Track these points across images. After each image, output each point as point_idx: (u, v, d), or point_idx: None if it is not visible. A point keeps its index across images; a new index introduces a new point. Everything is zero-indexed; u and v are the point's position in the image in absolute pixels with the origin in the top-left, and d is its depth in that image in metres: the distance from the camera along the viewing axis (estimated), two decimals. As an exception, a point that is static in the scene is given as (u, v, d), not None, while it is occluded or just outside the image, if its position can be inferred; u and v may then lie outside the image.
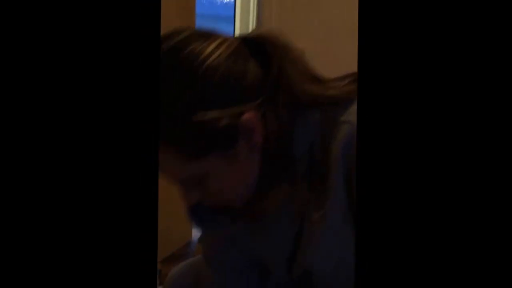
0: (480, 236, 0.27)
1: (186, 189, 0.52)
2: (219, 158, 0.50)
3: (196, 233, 1.34)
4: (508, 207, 0.26)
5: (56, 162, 0.27)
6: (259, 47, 0.51)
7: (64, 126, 0.27)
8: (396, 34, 0.27)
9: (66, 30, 0.27)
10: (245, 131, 0.49)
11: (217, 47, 0.48)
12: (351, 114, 0.49)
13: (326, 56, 1.38)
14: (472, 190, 0.27)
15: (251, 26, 1.38)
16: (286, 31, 1.48)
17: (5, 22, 0.27)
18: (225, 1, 1.22)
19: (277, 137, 0.50)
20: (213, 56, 0.47)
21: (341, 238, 0.51)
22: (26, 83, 0.28)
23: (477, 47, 0.26)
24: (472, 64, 0.27)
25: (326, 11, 1.32)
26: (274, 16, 1.31)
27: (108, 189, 0.28)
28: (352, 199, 0.49)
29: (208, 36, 0.49)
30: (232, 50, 0.49)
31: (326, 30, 1.37)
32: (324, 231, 0.51)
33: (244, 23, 1.38)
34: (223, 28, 1.34)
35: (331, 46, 1.38)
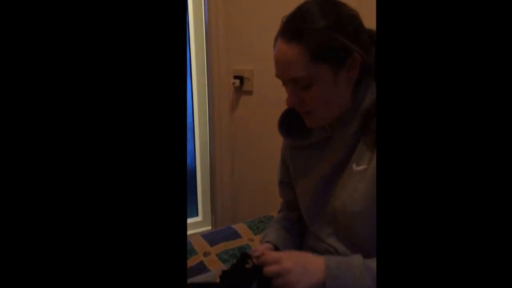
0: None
1: (293, 90, 0.61)
2: (329, 70, 0.59)
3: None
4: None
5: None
6: None
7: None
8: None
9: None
10: (351, 64, 0.60)
11: None
12: None
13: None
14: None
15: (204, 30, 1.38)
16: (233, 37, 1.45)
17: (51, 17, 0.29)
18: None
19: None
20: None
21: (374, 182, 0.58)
22: (74, 81, 0.31)
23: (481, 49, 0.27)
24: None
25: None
26: (220, 22, 1.31)
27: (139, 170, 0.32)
28: None
29: None
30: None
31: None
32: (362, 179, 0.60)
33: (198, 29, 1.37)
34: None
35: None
